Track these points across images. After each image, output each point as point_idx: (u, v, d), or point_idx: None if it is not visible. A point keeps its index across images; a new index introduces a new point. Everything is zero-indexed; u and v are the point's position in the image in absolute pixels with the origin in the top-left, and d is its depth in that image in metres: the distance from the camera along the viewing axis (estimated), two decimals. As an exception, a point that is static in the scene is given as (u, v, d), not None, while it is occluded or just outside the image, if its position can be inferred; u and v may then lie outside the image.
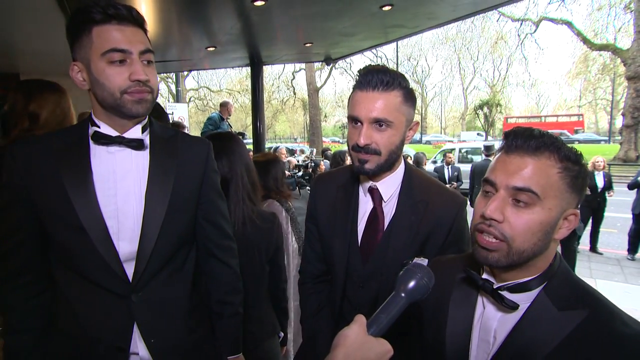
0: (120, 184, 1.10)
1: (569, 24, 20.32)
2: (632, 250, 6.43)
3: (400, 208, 1.28)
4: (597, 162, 6.43)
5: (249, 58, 5.97)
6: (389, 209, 1.31)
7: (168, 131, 1.24)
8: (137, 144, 1.12)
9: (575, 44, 28.29)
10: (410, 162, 7.71)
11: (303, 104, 42.17)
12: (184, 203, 1.19)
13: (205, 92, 40.41)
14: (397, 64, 30.11)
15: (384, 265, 1.27)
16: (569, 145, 0.82)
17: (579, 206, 0.82)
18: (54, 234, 1.09)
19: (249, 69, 6.39)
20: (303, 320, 1.50)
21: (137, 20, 1.06)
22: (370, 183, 1.31)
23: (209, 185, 1.26)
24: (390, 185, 1.30)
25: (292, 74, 36.88)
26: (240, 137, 6.48)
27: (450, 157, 8.46)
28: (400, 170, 1.32)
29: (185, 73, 30.82)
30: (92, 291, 1.10)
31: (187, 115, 10.99)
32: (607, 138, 35.78)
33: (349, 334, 0.72)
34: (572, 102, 46.37)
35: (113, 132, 1.10)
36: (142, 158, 1.14)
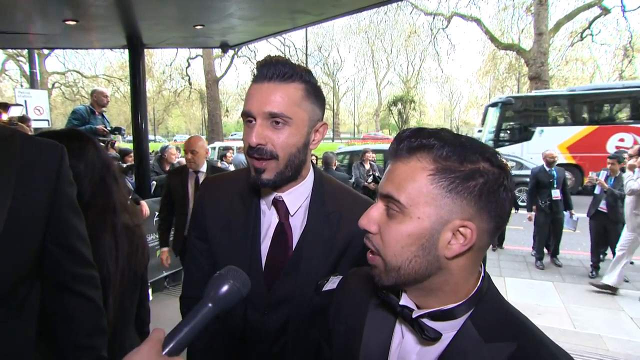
0: None
1: (478, 21, 22.64)
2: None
3: (312, 221, 1.25)
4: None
5: (125, 39, 5.55)
6: (297, 223, 1.27)
7: (2, 131, 1.05)
8: None
9: (484, 42, 31.46)
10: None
11: (201, 97, 40.95)
12: (25, 225, 1.03)
13: (76, 77, 36.89)
14: (306, 54, 30.80)
15: (295, 289, 1.24)
16: (475, 142, 0.78)
17: (487, 218, 0.76)
18: None
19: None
20: (190, 358, 1.38)
21: None
22: (274, 194, 1.26)
23: (62, 200, 1.11)
24: (297, 197, 1.26)
25: (187, 60, 35.58)
26: (117, 132, 6.03)
27: None
28: (309, 179, 1.29)
29: (46, 52, 27.81)
30: None
31: (47, 106, 9.78)
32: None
33: (137, 356, 0.66)
34: (482, 99, 51.75)
35: None
36: None
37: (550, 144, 12.03)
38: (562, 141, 13.98)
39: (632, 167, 5.64)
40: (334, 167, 7.31)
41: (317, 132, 1.23)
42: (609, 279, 5.57)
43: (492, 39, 22.69)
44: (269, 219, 1.28)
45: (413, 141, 0.78)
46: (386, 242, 0.79)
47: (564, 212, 6.88)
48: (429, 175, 0.75)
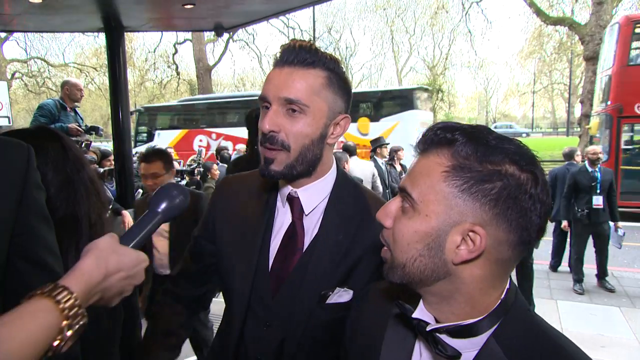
0: None
1: (519, -8, 22.45)
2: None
3: (326, 224, 1.34)
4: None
5: (102, 21, 5.59)
6: (311, 225, 1.37)
7: None
8: None
9: (528, 16, 31.15)
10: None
11: (191, 88, 41.18)
12: None
13: (40, 66, 37.26)
14: (314, 37, 30.74)
15: (297, 296, 1.32)
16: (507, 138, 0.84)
17: (507, 228, 0.81)
18: None
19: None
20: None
21: None
22: (289, 189, 1.37)
23: (28, 207, 1.14)
24: (314, 194, 1.36)
25: (174, 46, 35.91)
26: (93, 132, 6.08)
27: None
28: (330, 177, 1.39)
29: (3, 35, 28.01)
30: None
31: (7, 99, 9.88)
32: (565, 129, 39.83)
33: (99, 241, 0.93)
34: (525, 87, 51.13)
35: None
36: None
37: (165, 143, 19.75)
38: (170, 141, 21.77)
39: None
40: (347, 168, 7.10)
41: (338, 125, 1.32)
42: None
43: (538, 12, 22.48)
44: (283, 217, 1.40)
45: (437, 135, 0.87)
46: (395, 237, 0.89)
47: (609, 224, 6.77)
48: (442, 172, 0.83)
